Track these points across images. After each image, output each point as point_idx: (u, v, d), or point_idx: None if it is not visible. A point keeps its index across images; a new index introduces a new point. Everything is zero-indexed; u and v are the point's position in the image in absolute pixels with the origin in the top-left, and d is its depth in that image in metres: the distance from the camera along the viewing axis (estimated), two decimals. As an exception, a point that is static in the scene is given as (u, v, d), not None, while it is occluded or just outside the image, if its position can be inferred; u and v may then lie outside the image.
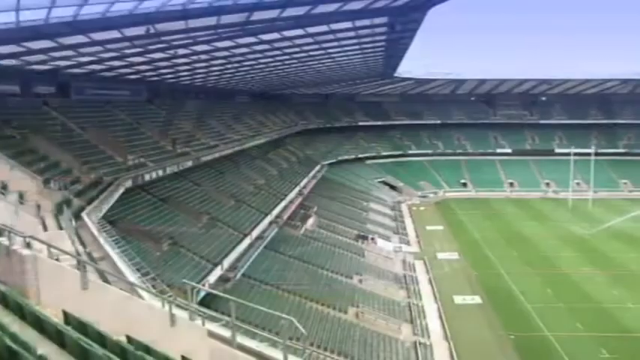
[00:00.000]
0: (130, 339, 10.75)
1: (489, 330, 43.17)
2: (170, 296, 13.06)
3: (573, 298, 50.38)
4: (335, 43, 49.19)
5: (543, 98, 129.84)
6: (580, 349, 39.77)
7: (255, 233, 48.92)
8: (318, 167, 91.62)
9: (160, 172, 44.84)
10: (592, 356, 38.72)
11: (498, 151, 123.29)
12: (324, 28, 39.66)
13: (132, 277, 22.47)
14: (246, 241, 46.18)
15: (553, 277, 56.60)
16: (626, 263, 61.84)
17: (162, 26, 30.87)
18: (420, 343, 40.23)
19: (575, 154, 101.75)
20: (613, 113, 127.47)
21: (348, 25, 40.98)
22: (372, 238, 67.94)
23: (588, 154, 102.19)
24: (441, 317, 46.12)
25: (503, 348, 39.86)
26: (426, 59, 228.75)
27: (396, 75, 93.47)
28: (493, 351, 39.53)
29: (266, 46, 44.35)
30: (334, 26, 40.06)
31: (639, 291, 52.23)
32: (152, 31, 30.66)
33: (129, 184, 39.07)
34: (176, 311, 11.32)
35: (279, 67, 63.62)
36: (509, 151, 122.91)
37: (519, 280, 55.15)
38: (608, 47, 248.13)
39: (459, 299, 49.97)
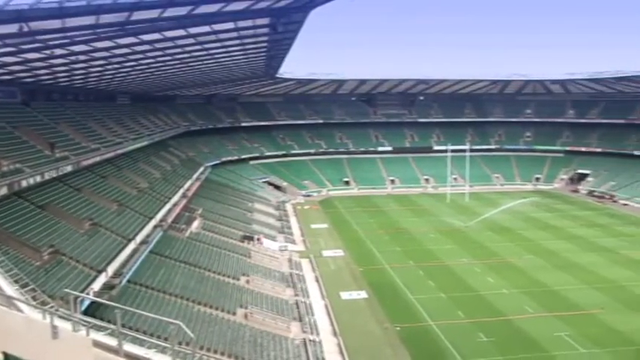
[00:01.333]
0: (7, 356, 10.26)
1: (376, 323, 44.92)
2: (52, 307, 12.63)
3: (454, 288, 53.41)
4: (217, 44, 49.00)
5: (421, 98, 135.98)
6: (461, 335, 42.31)
7: (139, 238, 47.87)
8: (201, 169, 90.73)
9: (38, 178, 42.74)
10: (471, 341, 41.31)
11: (379, 149, 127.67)
12: (206, 28, 39.40)
13: (9, 289, 21.58)
14: (131, 246, 45.12)
15: (434, 269, 59.66)
16: (501, 252, 66.44)
17: (36, 24, 29.56)
18: (309, 340, 41.10)
19: (452, 150, 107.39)
20: (485, 112, 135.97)
21: (230, 25, 41.01)
22: (258, 239, 68.30)
23: (464, 151, 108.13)
24: (328, 313, 47.34)
25: (390, 339, 41.67)
26: (309, 60, 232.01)
27: (278, 76, 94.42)
28: (380, 343, 41.22)
29: (147, 47, 43.42)
30: (216, 27, 39.91)
31: (512, 278, 56.45)
32: (26, 29, 29.33)
33: (4, 191, 37.07)
34: (58, 322, 10.74)
35: (161, 69, 62.37)
36: (389, 149, 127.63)
37: (403, 274, 57.73)
38: (480, 48, 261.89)
39: (345, 295, 51.49)
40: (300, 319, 45.39)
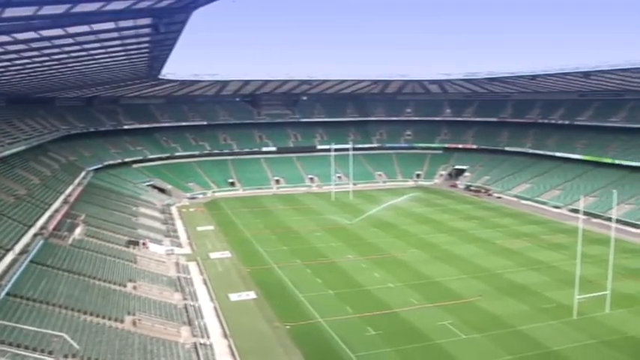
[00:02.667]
0: None
1: (266, 323, 45.11)
2: None
3: (341, 284, 54.63)
4: (97, 45, 47.21)
5: (304, 98, 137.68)
6: (350, 330, 43.35)
7: (18, 247, 45.24)
8: (83, 173, 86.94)
9: None
10: (360, 335, 42.44)
11: (264, 149, 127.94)
12: (85, 28, 37.92)
13: None
14: (9, 257, 42.56)
15: (322, 266, 60.72)
16: (385, 248, 68.70)
17: None
18: (200, 344, 40.63)
19: (335, 149, 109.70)
20: (367, 111, 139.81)
21: (110, 25, 39.71)
22: (144, 243, 66.60)
23: (347, 150, 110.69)
24: (218, 316, 47.00)
25: (280, 338, 41.99)
26: (193, 60, 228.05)
27: (161, 77, 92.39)
28: (271, 343, 41.45)
29: (22, 46, 41.09)
30: (96, 26, 38.53)
31: (397, 272, 58.54)
32: None
33: None
34: None
35: (38, 69, 59.17)
36: (274, 149, 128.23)
37: (291, 273, 58.33)
38: (362, 48, 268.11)
39: (234, 296, 51.31)
40: (190, 323, 44.75)
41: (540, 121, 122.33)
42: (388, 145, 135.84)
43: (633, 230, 79.00)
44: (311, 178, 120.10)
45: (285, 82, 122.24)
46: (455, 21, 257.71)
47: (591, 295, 47.89)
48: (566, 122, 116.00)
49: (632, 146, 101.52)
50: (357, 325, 44.51)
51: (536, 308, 48.29)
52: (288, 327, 43.99)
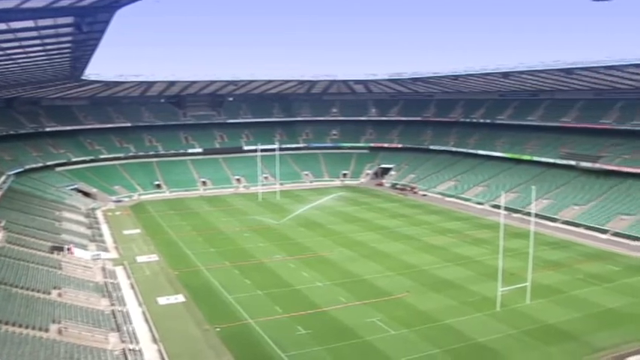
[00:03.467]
0: None
1: (196, 326, 44.45)
2: None
3: (270, 284, 54.47)
4: (16, 44, 45.48)
5: (230, 99, 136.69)
6: (280, 330, 43.27)
7: None
8: (3, 178, 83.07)
9: None
10: (291, 335, 42.43)
11: (190, 151, 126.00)
12: (2, 26, 36.54)
13: None
14: None
15: (250, 267, 60.37)
16: (313, 247, 69.03)
17: None
18: (129, 350, 39.63)
19: (262, 150, 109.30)
20: (293, 111, 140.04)
21: (29, 24, 38.31)
22: (69, 249, 64.35)
23: (273, 150, 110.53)
24: (147, 320, 45.96)
25: (211, 341, 41.46)
26: (118, 61, 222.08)
27: (84, 78, 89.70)
28: (202, 346, 40.86)
29: None
30: (14, 25, 37.16)
31: (325, 270, 58.91)
32: None
33: None
34: None
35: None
36: (200, 150, 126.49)
37: (219, 274, 57.72)
38: (288, 49, 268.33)
39: (163, 300, 50.35)
40: (118, 329, 43.57)
41: (463, 120, 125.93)
42: (314, 144, 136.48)
43: (551, 224, 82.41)
44: (238, 179, 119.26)
45: (211, 82, 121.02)
46: (380, 20, 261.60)
47: (513, 287, 49.58)
48: (488, 121, 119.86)
49: (548, 144, 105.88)
50: (287, 324, 44.50)
51: (462, 302, 49.63)
52: (218, 329, 43.50)
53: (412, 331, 43.17)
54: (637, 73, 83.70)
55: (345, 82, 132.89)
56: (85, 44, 55.21)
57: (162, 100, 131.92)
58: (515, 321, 45.23)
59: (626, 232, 75.55)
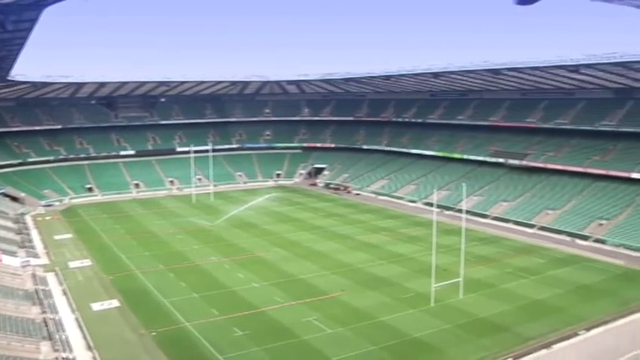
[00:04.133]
0: None
1: (131, 331, 43.55)
2: None
3: (206, 286, 53.92)
4: None
5: (163, 100, 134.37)
6: (217, 332, 42.92)
7: None
8: None
9: None
10: (228, 337, 42.15)
11: (122, 153, 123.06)
12: None
13: None
14: None
15: (186, 270, 59.61)
16: (248, 248, 68.83)
17: None
18: (62, 359, 38.57)
19: (195, 151, 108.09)
20: (226, 112, 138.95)
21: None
22: (-6, 256, 62.08)
23: (206, 151, 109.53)
24: (80, 327, 44.66)
25: (146, 346, 40.70)
26: (47, 61, 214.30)
27: (10, 78, 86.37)
28: (138, 351, 40.05)
29: None
30: None
31: (261, 271, 58.79)
32: None
33: None
34: None
35: None
36: (132, 152, 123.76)
37: (154, 278, 56.72)
38: (220, 50, 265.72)
39: (97, 306, 49.09)
40: (51, 338, 42.16)
41: (395, 119, 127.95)
42: (248, 145, 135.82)
43: (481, 220, 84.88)
44: (171, 181, 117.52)
45: (143, 83, 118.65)
46: (312, 20, 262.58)
47: (446, 282, 50.71)
48: (419, 121, 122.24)
49: (477, 142, 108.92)
50: (223, 326, 44.19)
51: (397, 299, 50.49)
52: (154, 334, 42.76)
53: (348, 329, 43.62)
54: (559, 74, 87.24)
55: (277, 82, 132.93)
56: (10, 43, 53.29)
57: (93, 102, 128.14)
58: (449, 315, 46.38)
59: (552, 226, 78.73)
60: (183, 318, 45.82)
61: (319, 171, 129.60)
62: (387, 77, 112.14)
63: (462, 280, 50.90)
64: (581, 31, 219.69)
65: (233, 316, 46.16)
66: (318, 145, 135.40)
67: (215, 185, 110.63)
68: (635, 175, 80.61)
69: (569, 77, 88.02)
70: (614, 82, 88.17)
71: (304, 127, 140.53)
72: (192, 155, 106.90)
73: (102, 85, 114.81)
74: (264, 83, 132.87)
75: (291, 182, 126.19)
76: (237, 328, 43.72)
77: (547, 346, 40.66)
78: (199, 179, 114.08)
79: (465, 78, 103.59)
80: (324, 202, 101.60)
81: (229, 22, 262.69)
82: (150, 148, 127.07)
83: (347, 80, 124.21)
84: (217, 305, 48.69)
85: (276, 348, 40.27)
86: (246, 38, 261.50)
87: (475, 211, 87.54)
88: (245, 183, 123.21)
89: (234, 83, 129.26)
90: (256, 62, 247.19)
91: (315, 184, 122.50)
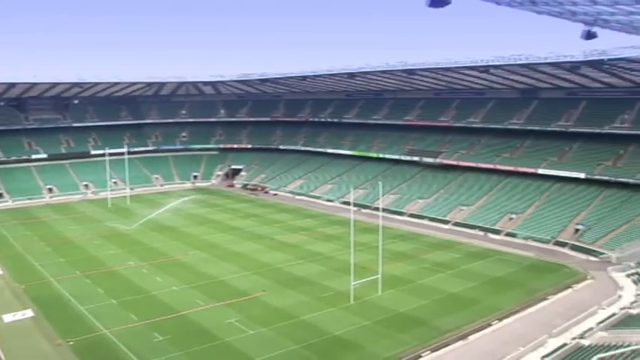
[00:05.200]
0: None
1: (47, 342, 41.68)
2: None
3: (124, 292, 52.43)
4: None
5: (76, 101, 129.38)
6: (137, 338, 41.80)
7: None
8: None
9: None
10: (148, 342, 41.12)
11: (33, 157, 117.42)
12: None
13: None
14: None
15: (103, 275, 57.74)
16: (167, 251, 67.52)
17: None
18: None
19: (110, 154, 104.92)
20: (141, 114, 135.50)
21: None
22: None
23: (122, 154, 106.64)
24: (-10, 340, 42.70)
25: (63, 356, 39.09)
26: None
27: None
28: (53, 361, 38.68)
29: None
30: None
31: (181, 274, 57.83)
32: None
33: None
34: None
35: None
36: (44, 156, 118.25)
37: (70, 285, 54.59)
38: (135, 50, 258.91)
39: (8, 317, 46.70)
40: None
41: (311, 119, 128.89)
42: (164, 147, 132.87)
43: (398, 217, 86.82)
44: (86, 185, 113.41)
45: (55, 84, 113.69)
46: (227, 21, 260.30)
47: (365, 280, 51.41)
48: (335, 120, 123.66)
49: (393, 141, 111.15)
50: (143, 332, 43.11)
51: (317, 297, 50.84)
52: (71, 343, 41.14)
53: (270, 329, 43.55)
54: (470, 75, 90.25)
55: (193, 83, 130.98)
56: None
57: (2, 103, 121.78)
58: (368, 312, 47.09)
59: (465, 222, 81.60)
60: (101, 325, 44.37)
61: (236, 172, 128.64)
62: (303, 78, 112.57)
63: (380, 277, 51.74)
64: (492, 32, 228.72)
65: (153, 321, 45.14)
66: (235, 146, 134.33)
67: (131, 188, 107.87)
68: (541, 171, 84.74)
69: (479, 78, 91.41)
70: (521, 83, 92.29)
71: (221, 128, 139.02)
72: (107, 158, 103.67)
73: (11, 85, 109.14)
74: (180, 84, 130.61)
75: (209, 184, 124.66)
76: (158, 333, 42.79)
77: (463, 337, 42.10)
78: (115, 182, 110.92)
79: (380, 78, 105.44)
80: (242, 203, 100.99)
81: (143, 22, 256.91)
82: (63, 151, 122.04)
83: (263, 81, 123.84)
84: (136, 311, 47.49)
85: (198, 351, 39.69)
86: (162, 38, 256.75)
87: (392, 208, 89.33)
88: (162, 185, 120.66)
89: (149, 84, 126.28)
90: (172, 63, 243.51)
91: (232, 186, 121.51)
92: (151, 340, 41.66)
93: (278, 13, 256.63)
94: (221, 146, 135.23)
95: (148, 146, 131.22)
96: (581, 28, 38.88)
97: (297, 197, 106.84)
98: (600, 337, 39.69)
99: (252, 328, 43.65)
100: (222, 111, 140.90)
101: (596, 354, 34.10)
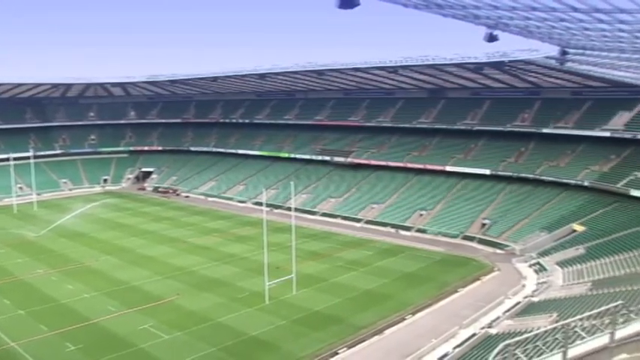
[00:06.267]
0: None
1: (-52, 356, 39.70)
2: None
3: (32, 302, 50.19)
4: None
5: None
6: (47, 349, 40.22)
7: None
8: None
9: None
10: (59, 353, 39.64)
11: None
12: None
13: None
14: None
15: (9, 286, 54.97)
16: (77, 258, 65.20)
17: None
18: None
19: (15, 158, 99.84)
20: (48, 116, 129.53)
21: None
22: None
23: (27, 158, 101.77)
24: None
25: (-34, 371, 37.40)
26: None
27: None
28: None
29: None
30: None
31: (92, 281, 55.97)
32: None
33: None
34: None
35: None
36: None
37: (-27, 297, 51.97)
38: (39, 50, 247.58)
39: None
40: None
41: (222, 120, 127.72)
42: (72, 150, 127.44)
43: (310, 217, 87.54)
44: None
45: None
46: (142, 19, 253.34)
47: (280, 280, 51.63)
48: (247, 121, 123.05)
49: (304, 141, 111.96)
50: (54, 342, 41.48)
51: (232, 299, 50.64)
52: (-26, 358, 39.29)
53: (186, 333, 43.00)
54: (380, 75, 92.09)
55: (101, 84, 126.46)
56: None
57: None
58: (284, 312, 47.33)
59: (377, 220, 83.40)
60: (8, 338, 42.23)
61: (147, 175, 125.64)
62: (214, 79, 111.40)
63: (294, 277, 52.07)
64: (402, 32, 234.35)
65: (64, 331, 43.55)
66: (146, 148, 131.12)
67: (38, 194, 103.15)
68: (449, 168, 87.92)
69: (388, 78, 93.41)
70: (429, 83, 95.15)
71: (131, 130, 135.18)
72: (11, 163, 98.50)
73: None
74: (88, 85, 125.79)
75: (119, 187, 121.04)
76: (70, 342, 41.31)
77: (378, 332, 43.17)
78: (20, 188, 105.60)
79: (290, 79, 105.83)
80: (154, 207, 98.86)
81: (47, 21, 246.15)
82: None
83: (173, 82, 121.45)
84: (46, 320, 45.62)
85: (112, 359, 38.74)
86: (67, 38, 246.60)
87: (304, 208, 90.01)
88: (71, 190, 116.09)
89: (55, 86, 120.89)
90: (79, 64, 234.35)
91: (143, 189, 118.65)
92: (62, 350, 40.19)
93: (187, 9, 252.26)
94: (131, 149, 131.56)
95: (55, 150, 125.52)
96: (484, 30, 40.75)
97: (210, 199, 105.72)
98: (507, 325, 41.70)
99: (168, 333, 42.96)
100: (132, 113, 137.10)
101: (502, 341, 35.75)
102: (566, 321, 8.93)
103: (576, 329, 11.27)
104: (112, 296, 51.60)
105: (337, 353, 39.59)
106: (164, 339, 42.03)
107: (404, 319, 46.06)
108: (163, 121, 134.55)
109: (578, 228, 65.73)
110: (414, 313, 47.36)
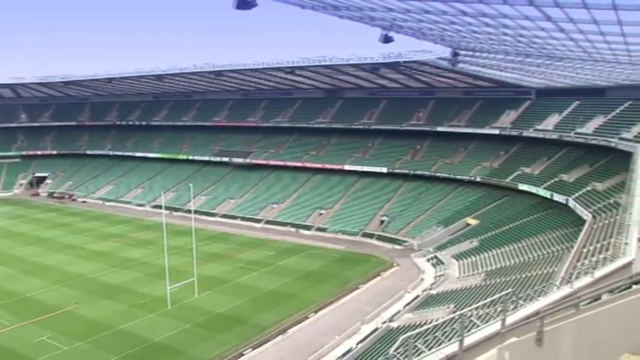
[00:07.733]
0: None
1: None
2: None
3: None
4: None
5: None
6: None
7: None
8: None
9: None
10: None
11: None
12: None
13: None
14: None
15: None
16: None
17: None
18: None
19: None
20: None
21: None
22: None
23: None
24: None
25: None
26: None
27: None
28: None
29: None
30: None
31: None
32: None
33: None
34: None
35: None
36: None
37: None
38: None
39: None
40: None
41: (119, 123, 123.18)
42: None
43: (210, 219, 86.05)
44: None
45: None
46: (25, 19, 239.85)
47: (181, 283, 50.43)
48: (144, 123, 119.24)
49: (202, 142, 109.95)
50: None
51: (133, 305, 48.88)
52: None
53: (86, 342, 41.02)
54: (277, 76, 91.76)
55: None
56: None
57: None
58: (187, 316, 46.26)
59: (277, 219, 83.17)
60: None
61: (41, 180, 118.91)
62: (109, 80, 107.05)
63: (196, 280, 50.99)
64: (299, 33, 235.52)
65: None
66: (39, 152, 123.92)
67: None
68: (347, 167, 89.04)
69: (286, 78, 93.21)
70: (326, 83, 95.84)
71: (22, 133, 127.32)
72: None
73: None
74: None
75: (11, 194, 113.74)
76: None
77: (283, 332, 43.10)
78: None
79: (187, 80, 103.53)
80: (49, 213, 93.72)
81: None
82: None
83: (66, 83, 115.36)
84: None
85: (6, 375, 36.42)
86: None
87: (203, 210, 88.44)
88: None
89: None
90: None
91: (37, 194, 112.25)
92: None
93: (82, 10, 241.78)
94: (23, 153, 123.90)
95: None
96: (379, 32, 41.63)
97: (107, 203, 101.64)
98: (407, 318, 42.80)
99: (67, 344, 40.78)
100: (24, 115, 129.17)
101: (403, 334, 36.61)
102: (463, 311, 9.32)
103: (472, 318, 11.72)
104: (5, 309, 48.35)
105: (243, 354, 39.22)
106: (63, 350, 39.88)
107: (307, 318, 46.24)
108: (57, 124, 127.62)
109: (472, 222, 68.66)
110: (316, 311, 47.63)
